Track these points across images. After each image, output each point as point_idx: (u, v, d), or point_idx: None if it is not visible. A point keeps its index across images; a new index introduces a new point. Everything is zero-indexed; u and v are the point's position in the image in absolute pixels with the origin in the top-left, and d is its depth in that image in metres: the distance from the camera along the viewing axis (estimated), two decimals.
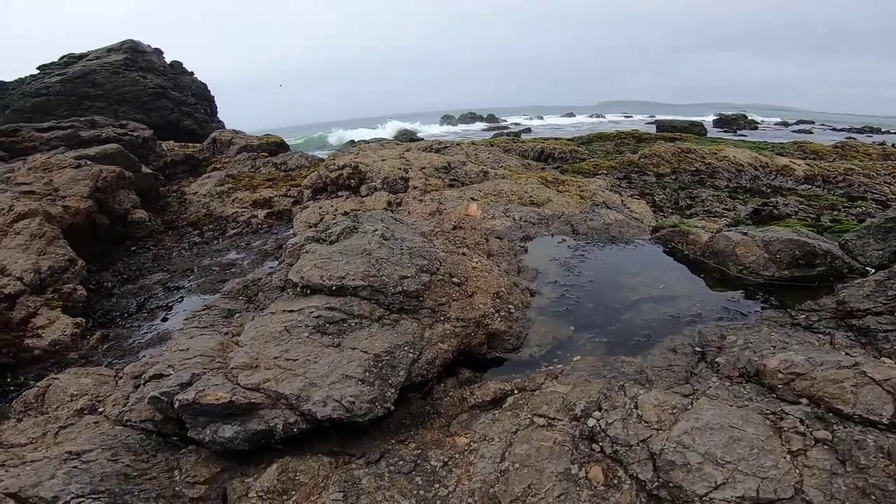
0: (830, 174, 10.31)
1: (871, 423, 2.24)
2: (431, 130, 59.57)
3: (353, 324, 3.14)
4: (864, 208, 7.78)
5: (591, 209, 6.39)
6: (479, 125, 67.83)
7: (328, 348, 2.89)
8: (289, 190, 9.83)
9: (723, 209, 7.79)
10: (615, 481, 2.29)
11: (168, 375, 2.68)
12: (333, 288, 3.37)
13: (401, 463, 2.50)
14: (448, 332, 3.32)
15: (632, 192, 8.68)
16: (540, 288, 4.35)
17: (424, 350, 3.12)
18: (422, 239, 4.19)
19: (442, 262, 3.89)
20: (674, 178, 9.99)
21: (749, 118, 45.65)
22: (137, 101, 27.80)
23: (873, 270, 3.88)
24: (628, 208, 6.88)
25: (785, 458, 2.16)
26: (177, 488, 2.28)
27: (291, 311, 3.20)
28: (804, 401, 2.48)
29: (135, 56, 29.51)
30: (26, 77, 28.71)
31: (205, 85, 34.21)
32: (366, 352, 2.89)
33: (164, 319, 5.47)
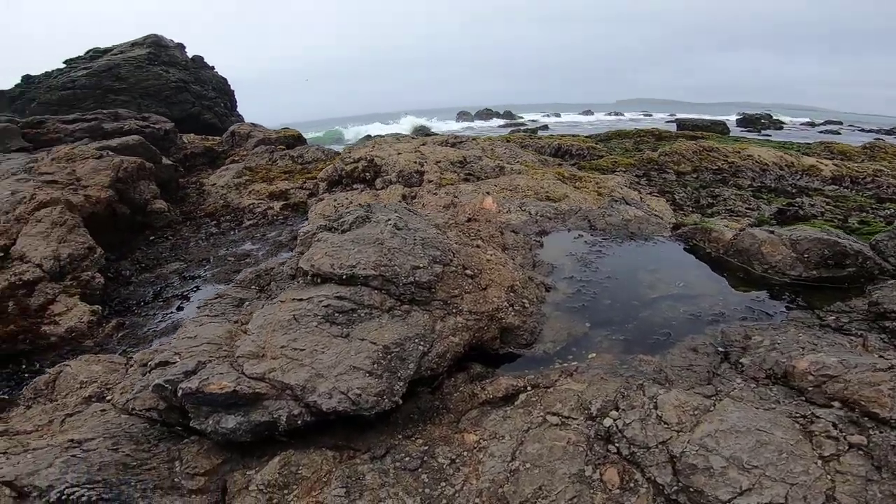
0: (859, 175, 9.95)
1: None
2: (447, 127, 59.40)
3: (362, 314, 3.06)
4: (893, 210, 7.47)
5: (610, 205, 6.24)
6: (496, 122, 67.44)
7: (336, 338, 2.82)
8: (305, 182, 9.84)
9: (746, 208, 7.55)
10: (631, 484, 2.18)
11: (174, 363, 2.64)
12: (344, 277, 3.31)
13: (407, 459, 2.42)
14: (460, 325, 3.23)
15: (651, 190, 8.48)
16: (555, 283, 4.23)
17: (435, 343, 3.03)
18: (435, 230, 4.11)
19: (455, 253, 3.80)
20: (695, 176, 9.74)
21: (774, 118, 44.56)
22: (160, 95, 28.20)
23: None
24: (647, 205, 6.70)
25: (816, 463, 2.04)
26: (176, 479, 2.23)
27: (300, 299, 3.14)
28: (836, 404, 2.34)
29: (158, 51, 29.93)
30: (53, 71, 29.34)
31: (225, 79, 34.57)
32: (375, 343, 2.81)
33: (180, 308, 5.50)
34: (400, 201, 6.74)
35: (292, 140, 13.99)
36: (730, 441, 2.15)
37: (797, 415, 2.30)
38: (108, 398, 3.03)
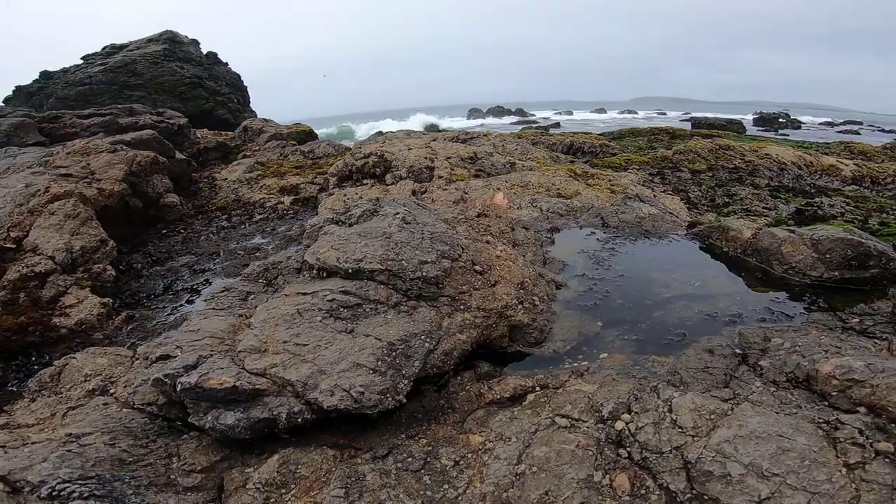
0: (880, 175, 9.68)
1: None
2: (458, 124, 59.20)
3: (368, 309, 3.00)
4: None
5: (623, 202, 6.11)
6: (508, 119, 67.12)
7: (340, 334, 2.75)
8: (315, 177, 9.83)
9: (763, 208, 7.36)
10: (642, 491, 2.08)
11: (175, 357, 2.59)
12: (350, 271, 3.24)
13: (409, 460, 2.34)
14: (468, 322, 3.15)
15: (665, 188, 8.32)
16: (567, 280, 4.13)
17: (442, 340, 2.95)
18: (444, 225, 4.03)
19: (464, 248, 3.72)
20: (710, 175, 9.54)
21: (792, 117, 43.67)
22: (175, 91, 28.43)
23: None
24: (662, 203, 6.56)
25: (840, 471, 1.93)
26: (172, 476, 2.17)
27: (305, 293, 3.08)
28: (862, 410, 2.23)
29: (173, 47, 30.18)
30: (70, 66, 29.70)
31: (238, 75, 34.75)
32: (380, 339, 2.74)
33: (189, 301, 5.49)
34: (410, 196, 6.68)
35: (304, 135, 14.00)
36: (749, 447, 2.05)
37: (821, 420, 2.19)
38: (112, 391, 3.00)
